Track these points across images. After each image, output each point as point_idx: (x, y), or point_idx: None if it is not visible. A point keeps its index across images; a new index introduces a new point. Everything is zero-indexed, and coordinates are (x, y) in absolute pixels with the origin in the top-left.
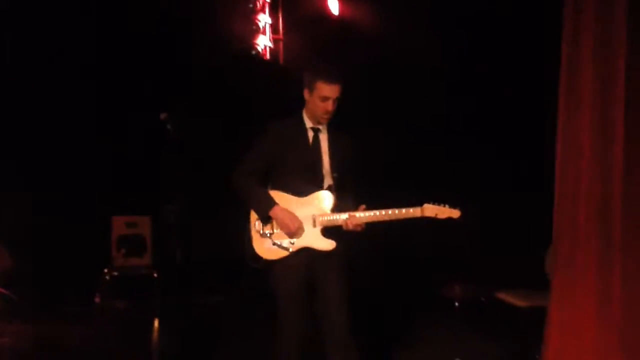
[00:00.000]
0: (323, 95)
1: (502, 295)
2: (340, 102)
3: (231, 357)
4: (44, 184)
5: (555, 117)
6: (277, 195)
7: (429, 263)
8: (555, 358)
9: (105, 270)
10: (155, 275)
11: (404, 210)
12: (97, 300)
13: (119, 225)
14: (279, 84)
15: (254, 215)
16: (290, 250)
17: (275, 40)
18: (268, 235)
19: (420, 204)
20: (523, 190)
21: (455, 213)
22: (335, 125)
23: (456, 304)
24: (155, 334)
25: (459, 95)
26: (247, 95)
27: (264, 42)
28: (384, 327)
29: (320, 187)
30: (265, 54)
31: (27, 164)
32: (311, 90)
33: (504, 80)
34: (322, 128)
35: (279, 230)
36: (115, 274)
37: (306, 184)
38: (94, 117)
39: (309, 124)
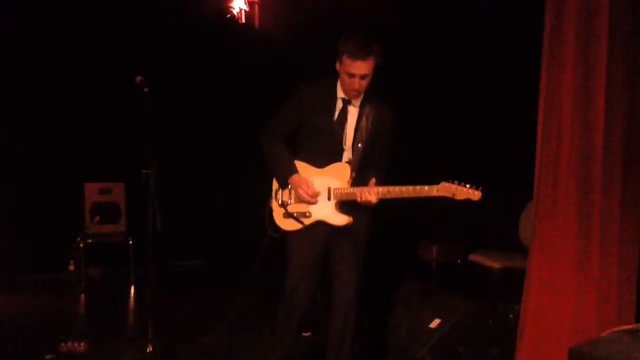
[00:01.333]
0: (348, 72)
1: (476, 257)
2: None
3: (210, 326)
4: (12, 151)
5: (537, 75)
6: (298, 164)
7: (407, 225)
8: (535, 315)
9: (79, 238)
10: (130, 242)
11: (418, 188)
12: (71, 268)
13: (92, 191)
14: (255, 48)
15: (275, 184)
16: (304, 223)
17: (250, 3)
18: (284, 204)
19: (437, 182)
20: (499, 155)
21: (475, 195)
22: (375, 95)
23: (433, 264)
24: (131, 302)
25: (449, 64)
26: (222, 59)
27: (239, 5)
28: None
29: (339, 160)
30: (241, 18)
31: None
32: (340, 62)
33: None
34: (354, 100)
35: (294, 200)
36: (89, 241)
37: (325, 155)
38: (64, 80)
39: (340, 93)
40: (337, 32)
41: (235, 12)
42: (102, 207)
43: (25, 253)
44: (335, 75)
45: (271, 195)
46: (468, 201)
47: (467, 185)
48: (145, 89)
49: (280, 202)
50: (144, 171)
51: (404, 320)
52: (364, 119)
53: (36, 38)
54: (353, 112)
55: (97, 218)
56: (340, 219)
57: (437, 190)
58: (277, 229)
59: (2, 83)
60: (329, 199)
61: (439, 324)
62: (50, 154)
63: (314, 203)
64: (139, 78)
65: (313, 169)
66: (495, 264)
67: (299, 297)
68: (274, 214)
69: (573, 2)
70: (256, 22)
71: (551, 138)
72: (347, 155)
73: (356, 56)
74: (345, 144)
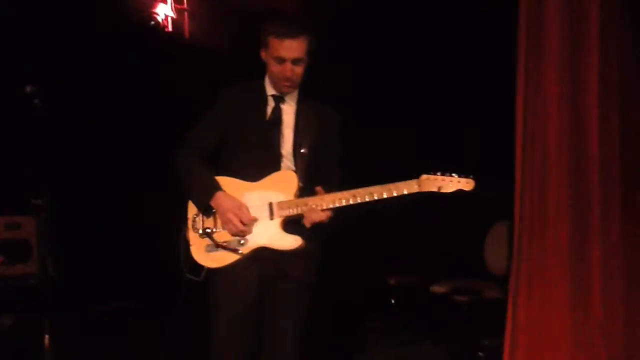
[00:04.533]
0: (277, 56)
1: (439, 289)
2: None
3: None
4: None
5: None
6: (222, 181)
7: (362, 252)
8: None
9: None
10: (46, 284)
11: (393, 188)
12: None
13: None
14: (183, 59)
15: (192, 209)
16: (241, 251)
17: (179, 11)
18: (209, 233)
19: (417, 176)
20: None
21: (467, 184)
22: (314, 94)
23: (392, 301)
24: (45, 354)
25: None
26: (142, 70)
27: (164, 12)
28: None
29: (278, 169)
30: (167, 25)
31: None
32: (265, 48)
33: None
34: (288, 97)
35: (221, 226)
36: None
37: (259, 166)
38: None
39: (270, 90)
40: None
41: (160, 19)
42: (9, 244)
43: None
44: (261, 75)
45: (185, 225)
46: (459, 193)
47: (454, 175)
48: (36, 101)
49: (201, 231)
50: (33, 201)
51: None
52: (302, 120)
53: None
54: (289, 112)
55: (1, 259)
56: (290, 241)
57: (418, 186)
58: (199, 269)
59: None
60: (271, 217)
61: None
62: None
63: (248, 233)
64: (29, 87)
65: (244, 183)
66: (461, 297)
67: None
68: (192, 248)
69: None
70: (186, 31)
71: (535, 146)
72: (286, 164)
73: (284, 34)
74: (282, 148)
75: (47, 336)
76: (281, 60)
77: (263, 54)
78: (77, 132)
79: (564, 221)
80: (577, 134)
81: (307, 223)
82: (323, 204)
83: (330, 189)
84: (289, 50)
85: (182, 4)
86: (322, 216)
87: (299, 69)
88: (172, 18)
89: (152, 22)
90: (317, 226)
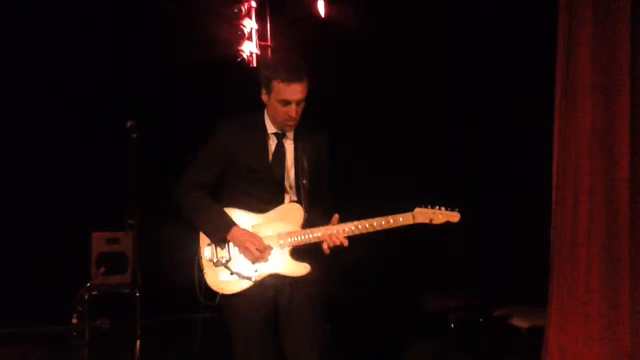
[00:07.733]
0: (282, 99)
1: (501, 314)
2: (310, 102)
3: None
4: (15, 199)
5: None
6: (231, 213)
7: (415, 274)
8: None
9: (83, 290)
10: (138, 294)
11: (391, 219)
12: (74, 321)
13: (99, 241)
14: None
15: (204, 240)
16: (254, 279)
17: (262, 47)
18: (224, 262)
19: (411, 209)
20: (529, 190)
21: (454, 217)
22: (307, 122)
23: (451, 325)
24: (137, 356)
25: (447, 96)
26: (231, 104)
27: (249, 49)
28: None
29: (282, 203)
30: (252, 61)
31: None
32: (269, 92)
33: (496, 72)
34: (289, 133)
35: (233, 256)
36: (95, 293)
37: (266, 199)
38: (66, 124)
39: (271, 128)
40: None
41: (245, 55)
42: (109, 257)
43: (27, 304)
44: (258, 109)
45: (198, 254)
46: (447, 225)
47: (442, 208)
48: (134, 135)
49: (215, 260)
50: (129, 221)
51: None
52: (301, 152)
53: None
54: (289, 148)
55: (102, 269)
56: (299, 268)
57: (413, 218)
58: (214, 295)
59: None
60: (281, 247)
61: None
62: (55, 202)
63: (265, 261)
64: (129, 122)
65: (252, 215)
66: (522, 323)
67: None
68: (207, 277)
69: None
70: None
71: (567, 180)
72: (290, 195)
73: (290, 79)
74: (286, 182)
75: (138, 340)
76: (287, 103)
77: (264, 97)
78: (169, 160)
79: (595, 253)
80: (608, 162)
81: (327, 248)
82: (329, 235)
83: (328, 208)
84: (295, 94)
85: (266, 40)
86: (339, 243)
87: (301, 108)
88: (256, 55)
89: (239, 59)
90: (323, 254)
